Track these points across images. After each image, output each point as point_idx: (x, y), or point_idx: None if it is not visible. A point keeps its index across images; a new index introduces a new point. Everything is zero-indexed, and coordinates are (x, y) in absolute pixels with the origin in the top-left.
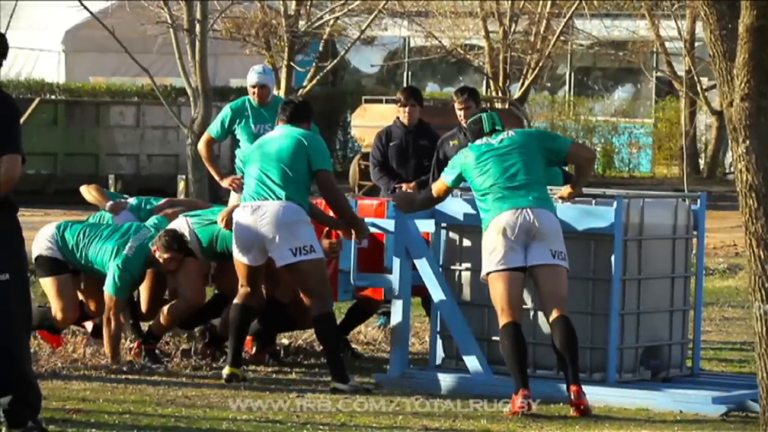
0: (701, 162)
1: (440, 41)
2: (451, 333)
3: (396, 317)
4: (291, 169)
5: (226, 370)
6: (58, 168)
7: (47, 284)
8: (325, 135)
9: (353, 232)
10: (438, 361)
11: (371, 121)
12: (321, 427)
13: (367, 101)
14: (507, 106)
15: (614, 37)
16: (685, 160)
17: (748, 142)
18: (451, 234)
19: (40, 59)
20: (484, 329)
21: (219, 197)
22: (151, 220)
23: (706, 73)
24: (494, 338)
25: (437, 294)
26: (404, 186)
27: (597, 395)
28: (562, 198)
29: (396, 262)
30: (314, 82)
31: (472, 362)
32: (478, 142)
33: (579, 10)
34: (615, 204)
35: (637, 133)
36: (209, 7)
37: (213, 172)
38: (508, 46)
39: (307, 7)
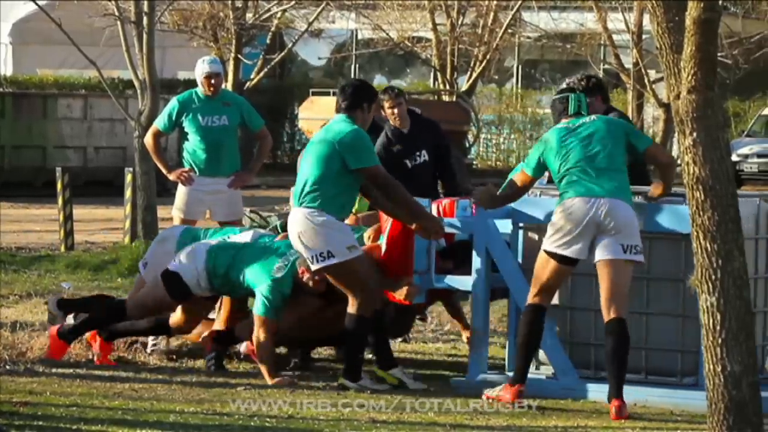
0: None
1: (388, 33)
2: None
3: (475, 320)
4: (314, 173)
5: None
6: (5, 160)
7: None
8: (272, 127)
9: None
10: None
11: (318, 113)
12: (268, 419)
13: (314, 93)
14: (454, 99)
15: (562, 29)
16: None
17: (695, 134)
18: (529, 234)
19: None
20: (567, 331)
21: (166, 190)
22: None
23: (654, 66)
24: (578, 341)
25: (519, 295)
26: None
27: (689, 399)
28: (651, 198)
29: (476, 262)
30: (262, 74)
31: (556, 365)
32: (560, 124)
33: (527, 3)
34: None
35: None
36: None
37: (160, 165)
38: (455, 38)
39: None
